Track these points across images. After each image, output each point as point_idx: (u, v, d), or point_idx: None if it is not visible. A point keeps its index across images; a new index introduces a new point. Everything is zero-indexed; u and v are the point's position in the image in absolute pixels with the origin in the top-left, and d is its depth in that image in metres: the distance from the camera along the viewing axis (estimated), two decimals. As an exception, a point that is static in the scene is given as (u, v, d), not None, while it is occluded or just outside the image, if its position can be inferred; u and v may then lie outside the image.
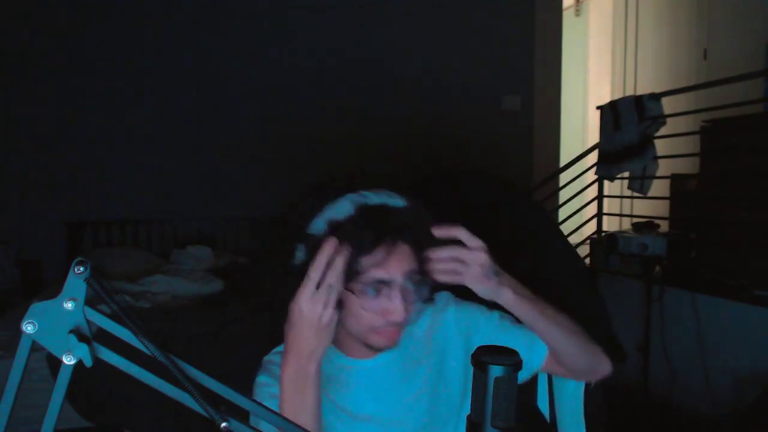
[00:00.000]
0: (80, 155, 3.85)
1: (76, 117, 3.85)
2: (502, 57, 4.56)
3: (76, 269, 0.49)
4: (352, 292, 0.85)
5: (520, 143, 4.58)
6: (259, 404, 0.56)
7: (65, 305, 0.50)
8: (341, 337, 0.94)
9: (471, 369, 0.63)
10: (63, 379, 0.50)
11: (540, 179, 4.27)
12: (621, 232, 2.78)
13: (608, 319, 1.34)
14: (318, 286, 0.79)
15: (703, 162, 3.54)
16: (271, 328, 0.95)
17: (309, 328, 0.80)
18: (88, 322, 0.51)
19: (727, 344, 2.57)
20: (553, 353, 0.97)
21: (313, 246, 0.82)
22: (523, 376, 1.01)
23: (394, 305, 0.86)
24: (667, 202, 3.64)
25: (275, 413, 0.57)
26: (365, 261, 0.84)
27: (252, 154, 4.14)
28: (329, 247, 0.80)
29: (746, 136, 3.14)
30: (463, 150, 4.31)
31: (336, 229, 0.83)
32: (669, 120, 3.19)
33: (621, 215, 4.31)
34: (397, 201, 0.89)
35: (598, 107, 3.59)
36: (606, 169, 3.49)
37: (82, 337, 0.50)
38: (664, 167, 3.27)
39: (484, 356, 0.62)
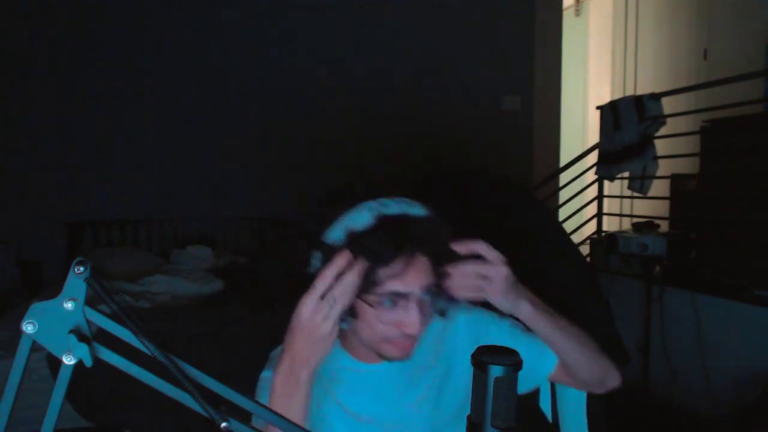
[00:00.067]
0: (80, 155, 3.85)
1: (76, 117, 3.85)
2: (502, 57, 4.56)
3: (76, 269, 0.49)
4: (369, 304, 0.84)
5: (520, 143, 4.58)
6: (259, 404, 0.56)
7: (65, 305, 0.50)
8: (352, 341, 0.94)
9: None
10: (63, 379, 0.50)
11: (540, 179, 4.27)
12: (621, 232, 2.78)
13: (612, 321, 1.34)
14: (323, 297, 0.78)
15: (703, 162, 3.54)
16: (272, 327, 0.95)
17: (305, 337, 0.79)
18: (88, 322, 0.51)
19: (727, 344, 2.57)
20: (563, 364, 0.97)
21: (329, 255, 0.81)
22: (531, 384, 1.01)
23: (410, 318, 0.84)
24: (667, 202, 3.64)
25: (275, 413, 0.57)
26: (382, 272, 0.82)
27: (252, 154, 4.14)
28: (342, 260, 0.78)
29: (746, 136, 3.14)
30: (463, 150, 4.31)
31: (354, 239, 0.82)
32: (669, 120, 3.19)
33: (621, 215, 4.31)
34: (416, 210, 0.86)
35: (598, 107, 3.59)
36: (606, 169, 3.49)
37: (82, 337, 0.50)
38: (664, 167, 3.27)
39: (484, 356, 0.62)
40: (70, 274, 0.49)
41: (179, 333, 2.18)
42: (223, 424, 0.51)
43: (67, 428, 1.97)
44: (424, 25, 4.40)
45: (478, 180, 1.47)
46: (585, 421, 1.13)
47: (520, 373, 0.96)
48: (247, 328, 2.24)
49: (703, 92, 3.46)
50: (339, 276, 0.78)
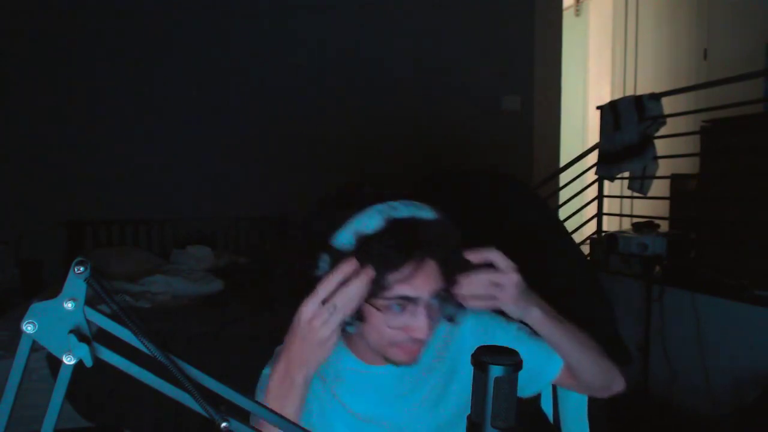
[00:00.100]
0: (80, 155, 3.85)
1: (76, 117, 3.85)
2: (502, 57, 4.56)
3: (76, 269, 0.49)
4: (377, 308, 0.83)
5: (520, 143, 4.58)
6: (259, 404, 0.56)
7: (65, 305, 0.50)
8: (358, 344, 0.93)
9: None
10: (63, 379, 0.50)
11: (540, 179, 4.27)
12: (621, 232, 2.78)
13: (614, 321, 1.33)
14: (324, 302, 0.77)
15: (703, 162, 3.54)
16: (272, 327, 0.95)
17: (303, 340, 0.78)
18: (88, 322, 0.51)
19: (727, 344, 2.57)
20: (569, 368, 0.97)
21: (336, 260, 0.80)
22: (536, 388, 1.01)
23: (418, 322, 0.84)
24: (667, 202, 3.64)
25: (275, 413, 0.57)
26: (391, 277, 0.81)
27: (252, 154, 4.14)
28: (347, 267, 0.77)
29: (746, 136, 3.14)
30: (463, 150, 4.31)
31: (363, 243, 0.81)
32: (669, 120, 3.19)
33: (621, 215, 4.31)
34: (425, 213, 0.85)
35: (598, 107, 3.59)
36: (606, 169, 3.49)
37: (82, 337, 0.50)
38: (664, 167, 3.27)
39: (484, 356, 0.62)
40: (70, 274, 0.49)
41: (179, 333, 2.18)
42: (223, 424, 0.51)
43: (67, 428, 1.97)
44: (424, 25, 4.40)
45: (477, 180, 1.47)
46: (586, 422, 1.13)
47: (526, 377, 0.96)
48: (247, 328, 2.24)
49: (703, 92, 3.46)
50: (344, 283, 0.77)
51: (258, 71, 4.14)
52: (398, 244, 0.81)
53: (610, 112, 3.40)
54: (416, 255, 0.82)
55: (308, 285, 0.79)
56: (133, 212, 3.93)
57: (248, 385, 0.93)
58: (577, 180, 4.02)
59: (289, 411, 0.80)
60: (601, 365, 0.95)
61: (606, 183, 3.79)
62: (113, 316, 0.50)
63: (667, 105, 3.20)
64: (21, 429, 0.71)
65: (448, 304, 0.87)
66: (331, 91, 4.25)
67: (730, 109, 3.05)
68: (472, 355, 0.63)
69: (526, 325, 0.92)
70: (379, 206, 0.84)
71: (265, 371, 0.94)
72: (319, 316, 0.77)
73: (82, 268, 0.49)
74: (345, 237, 0.82)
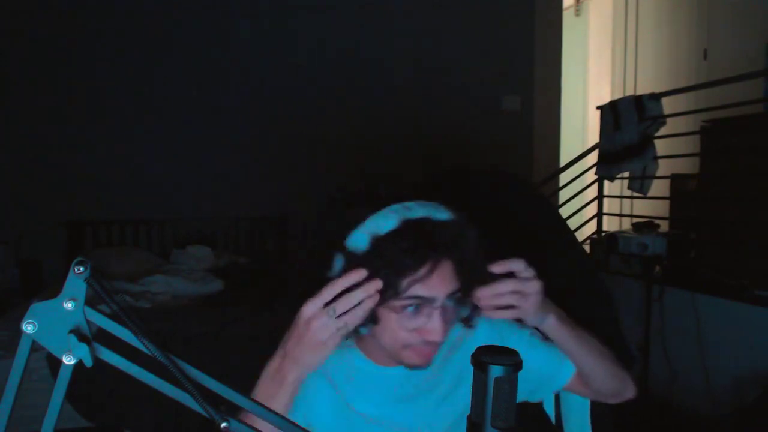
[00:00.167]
0: (80, 155, 3.85)
1: (76, 117, 3.85)
2: (502, 57, 4.56)
3: (76, 269, 0.49)
4: (392, 310, 0.83)
5: (520, 143, 4.58)
6: (259, 404, 0.56)
7: (65, 305, 0.50)
8: (370, 344, 0.93)
9: None
10: (63, 379, 0.50)
11: (540, 179, 4.27)
12: (621, 232, 2.78)
13: (616, 321, 1.33)
14: (326, 305, 0.76)
15: (703, 162, 3.54)
16: (272, 327, 0.95)
17: (299, 340, 0.78)
18: (88, 322, 0.51)
19: (727, 344, 2.57)
20: (581, 375, 0.96)
21: (350, 262, 0.80)
22: (547, 392, 1.01)
23: (433, 324, 0.83)
24: (667, 202, 3.64)
25: (275, 413, 0.57)
26: (407, 278, 0.81)
27: (252, 154, 4.14)
28: (356, 275, 0.77)
29: (746, 136, 3.14)
30: (463, 150, 4.31)
31: (378, 244, 0.80)
32: (669, 120, 3.19)
33: (621, 215, 4.31)
34: (441, 213, 0.85)
35: (598, 107, 3.59)
36: (606, 169, 3.49)
37: (82, 337, 0.50)
38: (664, 167, 3.27)
39: (484, 356, 0.62)
40: (70, 274, 0.49)
41: (179, 333, 2.18)
42: (223, 424, 0.51)
43: (67, 428, 1.97)
44: (424, 25, 4.40)
45: (478, 180, 1.46)
46: (588, 423, 1.13)
47: (538, 382, 0.96)
48: (247, 328, 2.24)
49: (703, 92, 3.46)
50: (349, 289, 0.76)
51: (258, 71, 4.14)
52: (413, 245, 0.80)
53: (610, 112, 3.40)
54: (432, 256, 0.81)
55: (318, 285, 0.79)
56: (133, 212, 3.93)
57: (248, 385, 0.93)
58: (577, 180, 4.02)
59: (276, 407, 0.79)
60: (612, 372, 0.95)
61: (606, 183, 3.79)
62: (113, 316, 0.50)
63: (667, 105, 3.20)
64: (21, 429, 0.71)
65: (463, 306, 0.86)
66: (331, 91, 4.25)
67: (730, 109, 3.05)
68: (472, 355, 0.63)
69: (539, 331, 0.91)
70: (395, 206, 0.83)
71: None
72: (318, 317, 0.76)
73: (82, 268, 0.49)
74: (360, 238, 0.82)
